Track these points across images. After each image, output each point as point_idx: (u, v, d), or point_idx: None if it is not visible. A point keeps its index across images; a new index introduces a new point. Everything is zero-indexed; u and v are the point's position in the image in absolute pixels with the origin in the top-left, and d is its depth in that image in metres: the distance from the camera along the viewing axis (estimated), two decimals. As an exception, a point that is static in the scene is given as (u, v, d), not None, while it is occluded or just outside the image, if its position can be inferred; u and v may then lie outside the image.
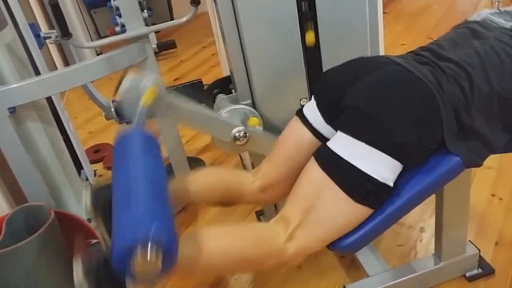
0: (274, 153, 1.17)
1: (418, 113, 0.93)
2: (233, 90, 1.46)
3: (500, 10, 1.20)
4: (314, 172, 0.97)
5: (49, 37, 1.83)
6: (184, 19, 1.56)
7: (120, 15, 1.50)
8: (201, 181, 1.17)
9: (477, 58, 1.00)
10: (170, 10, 3.79)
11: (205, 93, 1.62)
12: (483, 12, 1.20)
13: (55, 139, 1.63)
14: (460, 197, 1.23)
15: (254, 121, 1.35)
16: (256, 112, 1.38)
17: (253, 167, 1.70)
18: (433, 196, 1.23)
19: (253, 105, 1.41)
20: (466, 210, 1.27)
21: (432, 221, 1.55)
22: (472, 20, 1.19)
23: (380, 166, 0.91)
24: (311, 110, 1.09)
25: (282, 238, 0.97)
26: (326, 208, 0.95)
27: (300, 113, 1.12)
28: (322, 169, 0.95)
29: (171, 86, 2.06)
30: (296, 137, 1.12)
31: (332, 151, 0.94)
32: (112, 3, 1.51)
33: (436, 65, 1.00)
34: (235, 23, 1.29)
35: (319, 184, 0.96)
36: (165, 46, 3.62)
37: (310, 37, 1.27)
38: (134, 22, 1.48)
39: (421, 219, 1.65)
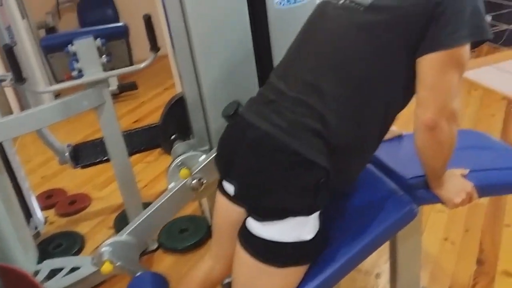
0: (215, 233, 1.21)
1: (284, 173, 0.95)
2: (191, 136, 1.46)
3: None
4: (239, 253, 1.03)
5: (4, 80, 1.80)
6: (142, 65, 1.57)
7: (77, 60, 1.50)
8: None
9: (311, 88, 0.98)
10: (130, 54, 3.79)
11: (163, 138, 1.61)
12: None
13: (3, 187, 1.57)
14: (413, 244, 1.26)
15: (185, 173, 1.33)
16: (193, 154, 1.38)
17: (210, 212, 1.68)
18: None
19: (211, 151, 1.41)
20: (419, 256, 1.29)
21: (387, 267, 1.56)
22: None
23: (286, 230, 0.96)
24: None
25: None
26: (261, 283, 1.01)
27: (220, 188, 1.13)
28: (243, 249, 1.01)
29: (129, 130, 2.04)
30: (226, 213, 1.13)
31: (247, 229, 1.01)
32: (69, 48, 1.50)
33: (280, 101, 1.00)
34: (193, 68, 1.30)
35: (245, 263, 1.02)
36: (126, 88, 3.61)
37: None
38: (91, 68, 1.48)
39: (376, 264, 1.67)
